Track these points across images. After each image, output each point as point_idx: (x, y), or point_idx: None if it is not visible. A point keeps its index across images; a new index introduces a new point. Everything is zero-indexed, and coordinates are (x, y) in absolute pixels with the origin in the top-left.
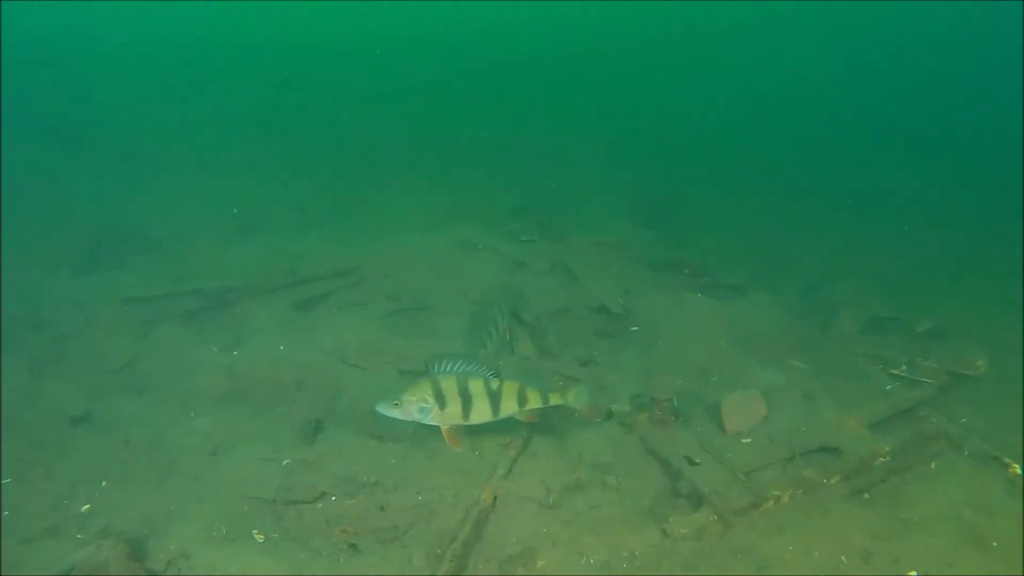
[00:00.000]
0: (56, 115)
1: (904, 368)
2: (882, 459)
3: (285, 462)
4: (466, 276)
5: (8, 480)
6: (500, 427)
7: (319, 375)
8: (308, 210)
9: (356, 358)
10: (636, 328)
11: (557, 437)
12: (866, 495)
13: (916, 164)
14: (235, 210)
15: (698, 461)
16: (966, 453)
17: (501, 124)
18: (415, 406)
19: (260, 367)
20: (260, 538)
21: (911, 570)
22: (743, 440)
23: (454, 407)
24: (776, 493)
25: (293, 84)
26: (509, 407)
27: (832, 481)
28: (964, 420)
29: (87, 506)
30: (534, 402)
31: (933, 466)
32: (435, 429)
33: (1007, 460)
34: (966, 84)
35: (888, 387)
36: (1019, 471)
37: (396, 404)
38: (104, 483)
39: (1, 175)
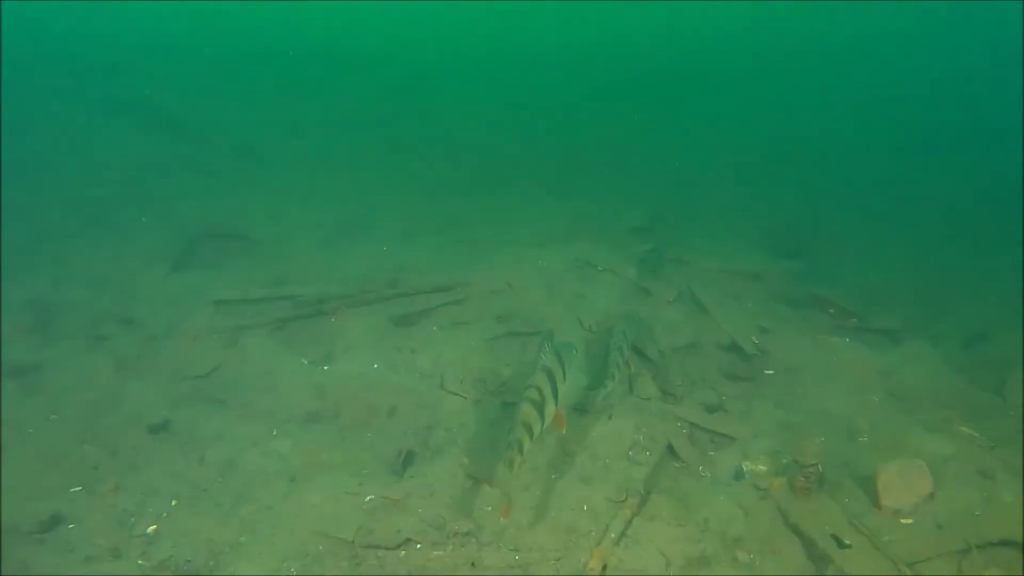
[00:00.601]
0: (171, 110)
1: None
2: None
3: (368, 498)
4: (583, 299)
5: (79, 488)
6: (615, 480)
7: (414, 400)
8: (417, 218)
9: (456, 384)
10: (772, 372)
11: (680, 498)
12: None
13: None
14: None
15: (848, 543)
16: None
17: (626, 139)
18: None
19: (351, 386)
20: None
21: None
22: (903, 520)
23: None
24: None
25: (412, 88)
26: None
27: None
28: None
29: (153, 527)
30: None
31: None
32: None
33: None
34: None
35: None
36: None
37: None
38: (174, 502)
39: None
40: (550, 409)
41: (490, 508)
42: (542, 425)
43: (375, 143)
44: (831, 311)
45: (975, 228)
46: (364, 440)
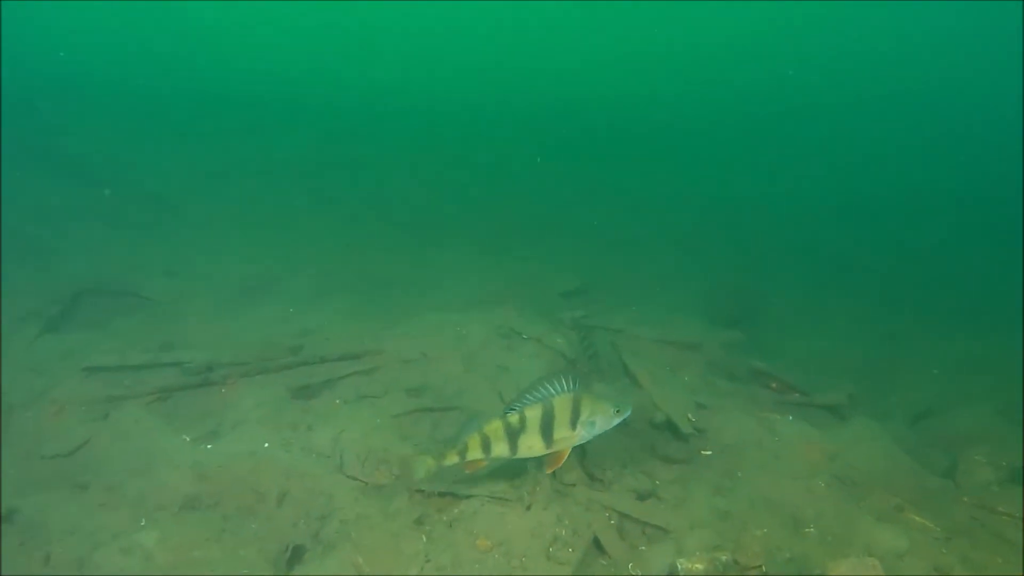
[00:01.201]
0: (79, 152)
1: None
2: None
3: None
4: (505, 372)
5: None
6: None
7: (308, 486)
8: (333, 276)
9: (357, 467)
10: (710, 453)
11: None
12: None
13: None
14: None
15: None
16: None
17: (565, 197)
18: None
19: (237, 468)
20: None
21: None
22: None
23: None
24: None
25: (348, 137)
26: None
27: None
28: None
29: None
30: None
31: None
32: None
33: None
34: None
35: None
36: None
37: None
38: None
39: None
40: (530, 442)
41: None
42: (509, 450)
43: (299, 195)
44: (773, 385)
45: (916, 296)
46: (247, 532)
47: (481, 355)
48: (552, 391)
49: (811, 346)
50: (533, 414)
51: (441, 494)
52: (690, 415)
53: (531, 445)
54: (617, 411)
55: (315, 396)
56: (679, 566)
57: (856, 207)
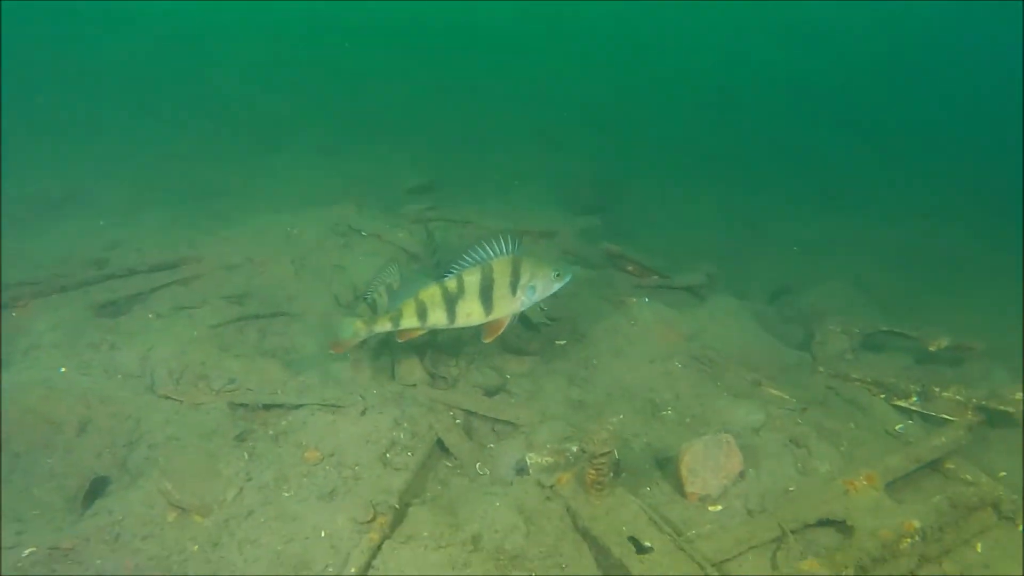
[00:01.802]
0: None
1: (916, 400)
2: (909, 540)
3: (27, 552)
4: (341, 271)
5: None
6: (364, 494)
7: (112, 411)
8: (153, 187)
9: (169, 385)
10: (564, 342)
11: (448, 508)
12: None
13: (898, 159)
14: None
15: (649, 545)
16: (1021, 528)
17: (416, 98)
18: None
19: (27, 398)
20: None
21: None
22: (711, 508)
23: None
24: None
25: (181, 43)
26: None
27: (845, 574)
28: (1004, 474)
29: None
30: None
31: (979, 549)
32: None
33: None
34: (956, 78)
35: (899, 427)
36: None
37: None
38: None
39: None
40: (468, 308)
41: (197, 548)
42: (447, 318)
43: (121, 106)
44: (630, 269)
45: (779, 183)
46: (42, 469)
47: (314, 256)
48: (491, 253)
49: (674, 234)
50: (471, 279)
51: (267, 406)
52: (542, 304)
53: (469, 312)
54: (557, 275)
55: (123, 312)
56: (528, 460)
57: (726, 103)
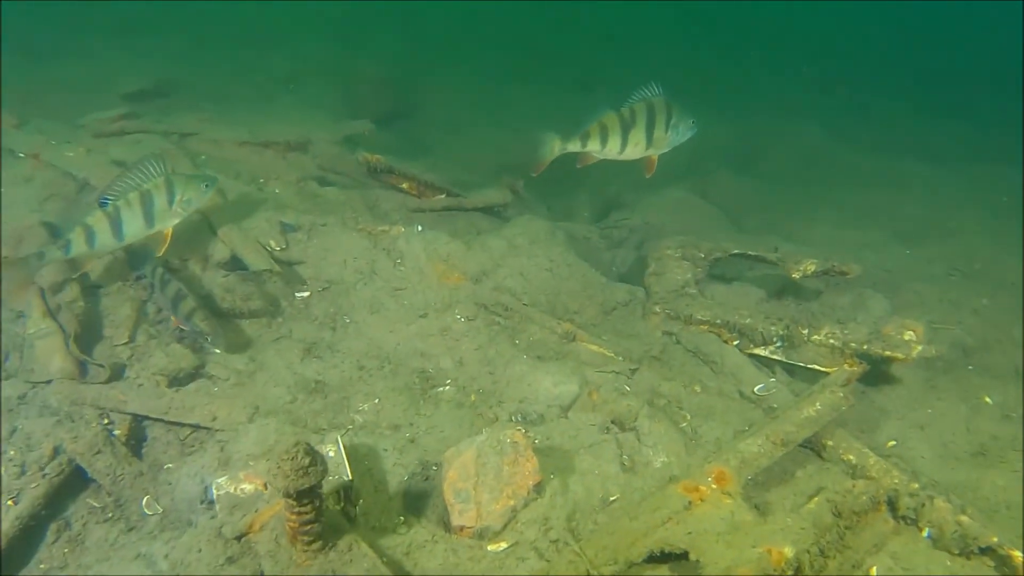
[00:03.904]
0: None
1: (778, 346)
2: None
3: None
4: None
5: None
6: None
7: None
8: None
9: None
10: (307, 294)
11: None
12: None
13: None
14: None
15: None
16: (926, 534)
17: None
18: None
19: None
20: None
21: None
22: (492, 548)
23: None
24: None
25: None
26: None
27: None
28: (893, 443)
29: None
30: None
31: (873, 573)
32: None
33: (1006, 548)
34: None
35: (758, 387)
36: None
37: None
38: None
39: None
40: (636, 138)
41: None
42: (620, 145)
43: None
44: (405, 186)
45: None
46: None
47: None
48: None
49: (482, 139)
50: (640, 108)
51: None
52: (274, 242)
53: (637, 142)
54: (693, 122)
55: None
56: (214, 490)
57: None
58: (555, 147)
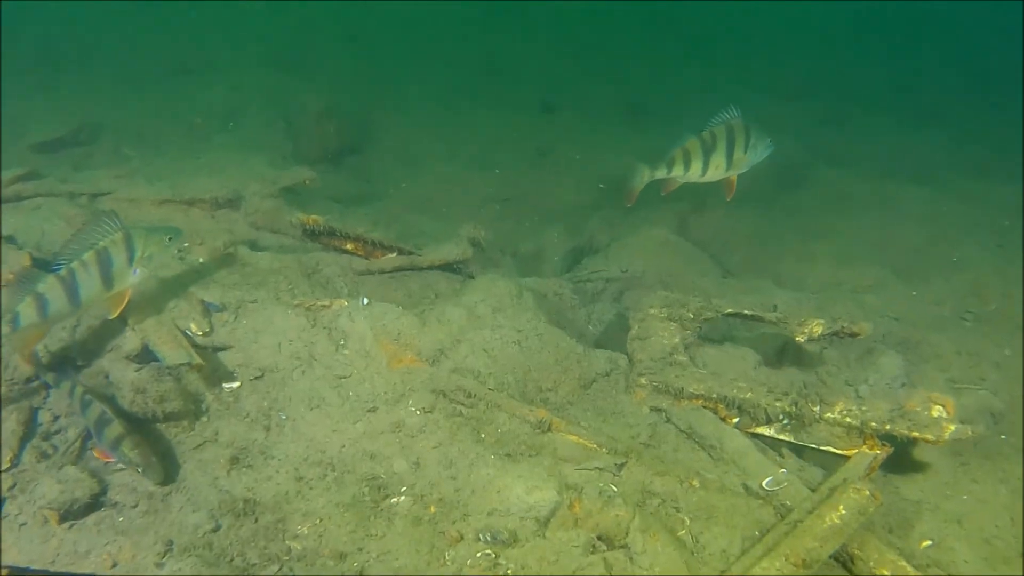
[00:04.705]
0: None
1: (785, 423)
2: None
3: None
4: None
5: None
6: None
7: None
8: None
9: None
10: (236, 385)
11: None
12: None
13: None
14: None
15: None
16: None
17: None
18: None
19: None
20: None
21: None
22: None
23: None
24: None
25: None
26: None
27: None
28: (928, 543)
29: None
30: None
31: None
32: None
33: None
34: None
35: (766, 480)
36: None
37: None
38: None
39: None
40: (717, 161)
41: None
42: (701, 169)
43: None
44: (350, 247)
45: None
46: None
47: None
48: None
49: (443, 174)
50: (720, 131)
51: None
52: (195, 326)
53: (718, 164)
54: (770, 141)
55: None
56: None
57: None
58: (644, 175)
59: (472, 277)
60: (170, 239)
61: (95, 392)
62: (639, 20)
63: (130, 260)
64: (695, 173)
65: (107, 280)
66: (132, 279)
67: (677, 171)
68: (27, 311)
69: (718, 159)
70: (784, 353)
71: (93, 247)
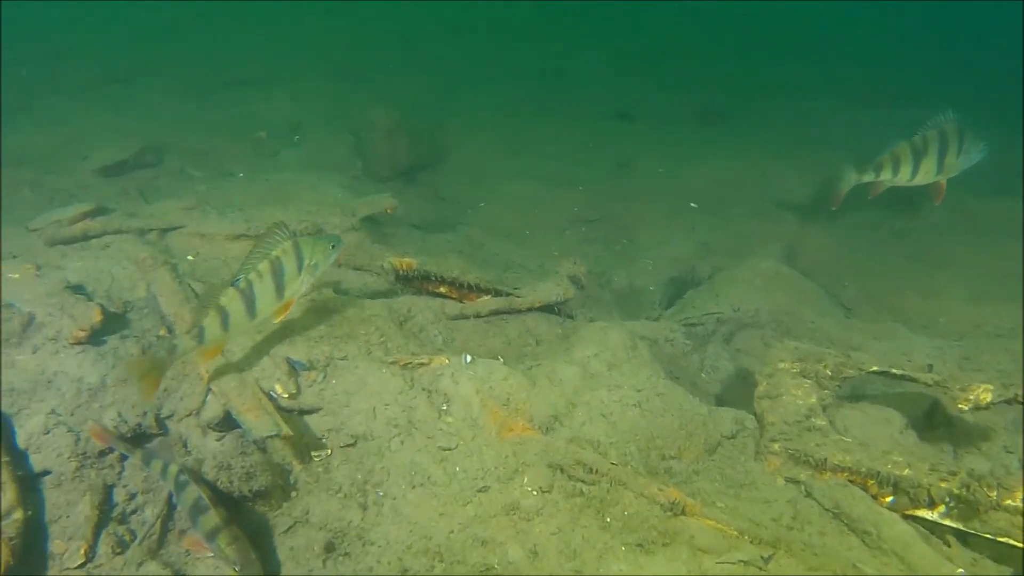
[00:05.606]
0: None
1: (950, 507)
2: None
3: None
4: None
5: None
6: None
7: None
8: None
9: None
10: (327, 452)
11: None
12: None
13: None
14: None
15: None
16: None
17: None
18: None
19: None
20: None
21: None
22: None
23: None
24: None
25: None
26: None
27: None
28: None
29: None
30: None
31: None
32: None
33: None
34: None
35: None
36: None
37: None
38: None
39: None
40: (927, 166)
41: None
42: (910, 174)
43: None
44: (443, 290)
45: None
46: None
47: None
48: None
49: (520, 194)
50: (932, 136)
51: None
52: (280, 388)
53: (928, 169)
54: (984, 145)
55: None
56: None
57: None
58: (851, 178)
59: (571, 317)
60: (333, 246)
61: (191, 471)
62: (701, 21)
63: (299, 268)
64: (904, 177)
65: (279, 289)
66: (301, 288)
67: (885, 175)
68: (211, 325)
69: (929, 164)
70: (933, 415)
71: (267, 257)
